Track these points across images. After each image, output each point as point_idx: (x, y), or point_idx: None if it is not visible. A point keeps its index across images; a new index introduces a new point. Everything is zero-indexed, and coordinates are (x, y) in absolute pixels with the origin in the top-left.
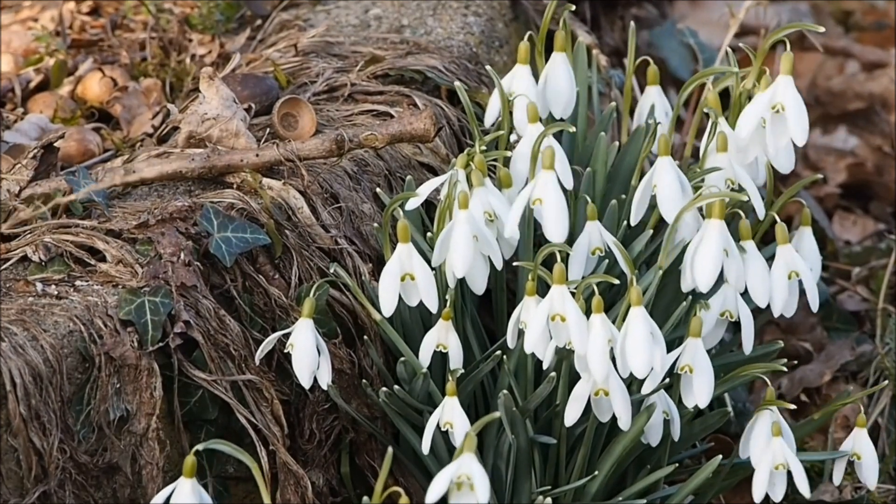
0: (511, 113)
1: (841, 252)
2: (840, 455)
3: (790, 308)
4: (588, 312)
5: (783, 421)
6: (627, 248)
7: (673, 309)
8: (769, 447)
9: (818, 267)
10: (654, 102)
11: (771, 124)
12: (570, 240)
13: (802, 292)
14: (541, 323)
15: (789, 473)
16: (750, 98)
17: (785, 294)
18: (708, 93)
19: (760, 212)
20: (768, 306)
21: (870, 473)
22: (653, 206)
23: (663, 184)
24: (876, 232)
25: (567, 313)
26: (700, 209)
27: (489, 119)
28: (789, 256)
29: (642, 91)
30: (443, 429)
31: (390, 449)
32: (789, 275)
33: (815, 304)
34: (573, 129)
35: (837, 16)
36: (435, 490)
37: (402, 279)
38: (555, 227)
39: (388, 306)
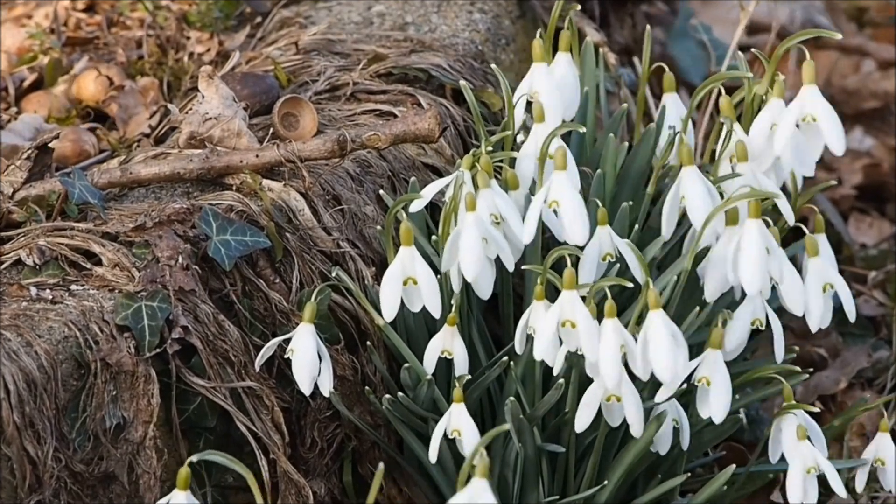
0: (528, 112)
1: (857, 255)
2: (861, 463)
3: (826, 320)
4: (600, 317)
5: (812, 422)
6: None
7: (685, 316)
8: (798, 450)
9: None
10: (670, 110)
11: (803, 136)
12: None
13: None
14: (551, 329)
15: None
16: (763, 103)
17: (821, 307)
18: (719, 96)
19: (790, 218)
20: (782, 312)
21: (894, 478)
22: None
23: (692, 195)
24: (892, 235)
25: (577, 319)
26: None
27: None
28: (821, 267)
29: (653, 95)
30: (450, 436)
31: (381, 465)
32: (823, 287)
33: (852, 315)
34: (583, 129)
35: (851, 12)
36: None
37: (405, 283)
38: (574, 229)
39: (389, 311)
